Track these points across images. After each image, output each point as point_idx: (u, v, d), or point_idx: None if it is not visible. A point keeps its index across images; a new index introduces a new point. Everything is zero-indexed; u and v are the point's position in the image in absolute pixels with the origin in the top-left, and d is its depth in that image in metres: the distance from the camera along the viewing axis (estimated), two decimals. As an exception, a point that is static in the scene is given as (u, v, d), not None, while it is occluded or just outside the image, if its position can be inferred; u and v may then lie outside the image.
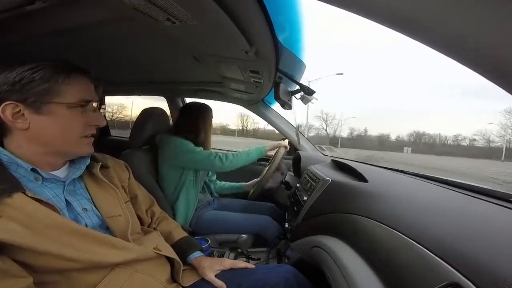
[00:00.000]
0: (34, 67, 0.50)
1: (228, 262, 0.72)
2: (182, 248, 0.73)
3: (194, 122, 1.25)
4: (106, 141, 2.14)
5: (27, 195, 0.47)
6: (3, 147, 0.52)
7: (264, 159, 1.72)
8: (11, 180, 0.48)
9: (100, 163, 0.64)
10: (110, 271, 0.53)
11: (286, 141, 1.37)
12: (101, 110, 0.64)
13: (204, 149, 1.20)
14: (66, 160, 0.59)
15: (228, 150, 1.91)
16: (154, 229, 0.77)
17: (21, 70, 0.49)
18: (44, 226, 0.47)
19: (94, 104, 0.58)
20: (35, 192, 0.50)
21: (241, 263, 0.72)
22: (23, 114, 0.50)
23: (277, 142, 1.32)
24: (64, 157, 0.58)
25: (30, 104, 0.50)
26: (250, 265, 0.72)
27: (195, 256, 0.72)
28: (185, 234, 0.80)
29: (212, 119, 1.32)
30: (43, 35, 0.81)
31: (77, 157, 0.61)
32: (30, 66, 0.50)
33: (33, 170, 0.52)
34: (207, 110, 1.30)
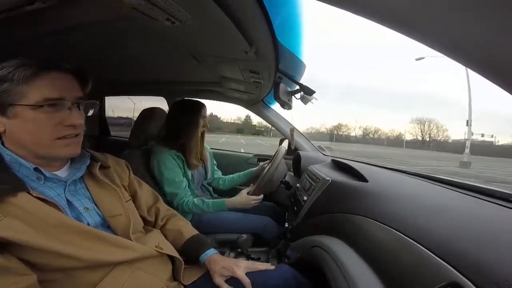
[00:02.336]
0: None
1: (239, 272, 0.66)
2: (193, 248, 0.72)
3: (170, 126, 1.17)
4: (106, 141, 2.14)
5: (32, 195, 0.48)
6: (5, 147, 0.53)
7: (264, 159, 1.72)
8: (15, 180, 0.48)
9: (100, 163, 0.64)
10: (112, 269, 0.53)
11: (283, 148, 1.25)
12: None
13: (189, 151, 1.15)
14: (61, 161, 0.58)
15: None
16: (163, 226, 0.76)
17: None
18: (48, 225, 0.47)
19: (68, 102, 0.52)
20: (38, 192, 0.50)
21: (246, 279, 0.65)
22: None
23: (245, 200, 1.12)
24: (50, 159, 0.55)
25: None
26: (248, 282, 0.65)
27: (208, 255, 0.71)
28: (195, 232, 0.78)
29: (202, 117, 1.18)
30: (43, 35, 0.81)
31: (76, 157, 0.60)
32: None
33: (36, 169, 0.52)
34: (185, 109, 1.17)
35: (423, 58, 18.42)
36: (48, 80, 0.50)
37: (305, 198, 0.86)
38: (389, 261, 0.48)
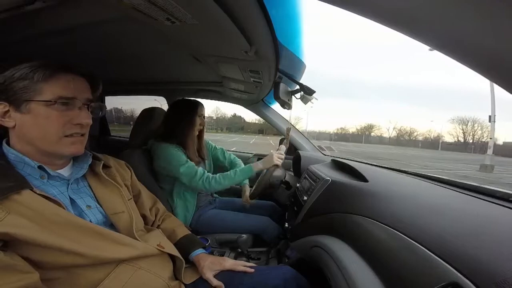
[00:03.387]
0: (16, 68, 0.51)
1: (228, 263, 0.71)
2: (184, 246, 0.74)
3: (167, 125, 1.18)
4: (106, 141, 2.14)
5: (35, 192, 0.48)
6: (9, 146, 0.54)
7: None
8: (19, 178, 0.49)
9: (103, 162, 0.65)
10: (114, 268, 0.54)
11: (282, 148, 1.23)
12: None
13: (187, 149, 1.16)
14: (65, 159, 0.59)
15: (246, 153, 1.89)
16: (158, 226, 0.78)
17: (6, 72, 0.51)
18: (51, 222, 0.48)
19: (79, 102, 0.55)
20: (41, 190, 0.51)
21: (240, 267, 0.71)
22: (10, 114, 0.52)
23: (269, 158, 1.13)
24: (54, 157, 0.56)
25: (12, 102, 0.51)
26: (250, 269, 0.70)
27: (197, 253, 0.73)
28: (188, 232, 0.80)
29: (198, 116, 1.19)
30: (43, 35, 0.81)
31: (79, 156, 0.61)
32: (13, 67, 0.51)
33: (40, 167, 0.53)
34: (182, 108, 1.18)
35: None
36: (63, 80, 0.53)
37: (305, 198, 0.86)
38: (389, 261, 0.48)
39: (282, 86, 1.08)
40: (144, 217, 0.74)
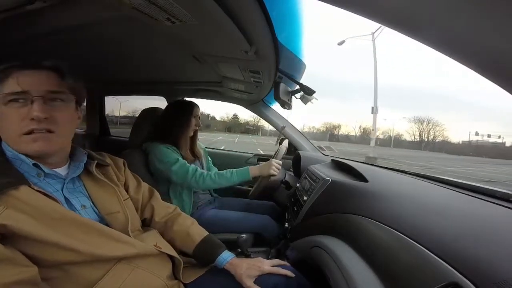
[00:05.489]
0: None
1: (266, 267, 0.66)
2: (206, 253, 0.70)
3: (163, 125, 1.21)
4: (106, 141, 2.14)
5: (33, 188, 0.49)
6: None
7: (264, 159, 1.72)
8: (17, 174, 0.50)
9: (96, 161, 0.64)
10: (112, 267, 0.53)
11: (282, 150, 1.25)
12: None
13: (180, 148, 1.17)
14: (56, 158, 0.58)
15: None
16: (170, 228, 0.74)
17: None
18: (49, 217, 0.48)
19: (30, 96, 0.51)
20: (38, 187, 0.51)
21: (281, 270, 0.67)
22: None
23: (267, 166, 1.13)
24: (34, 156, 0.54)
25: None
26: (290, 273, 0.67)
27: (226, 259, 0.68)
28: (203, 232, 0.74)
29: (194, 117, 1.21)
30: (43, 35, 0.81)
31: (76, 155, 0.62)
32: None
33: (35, 165, 0.53)
34: (177, 109, 1.21)
35: (343, 41, 13.73)
36: (17, 77, 0.52)
37: (305, 198, 0.86)
38: (389, 261, 0.48)
39: (282, 86, 1.08)
40: (136, 204, 0.71)
